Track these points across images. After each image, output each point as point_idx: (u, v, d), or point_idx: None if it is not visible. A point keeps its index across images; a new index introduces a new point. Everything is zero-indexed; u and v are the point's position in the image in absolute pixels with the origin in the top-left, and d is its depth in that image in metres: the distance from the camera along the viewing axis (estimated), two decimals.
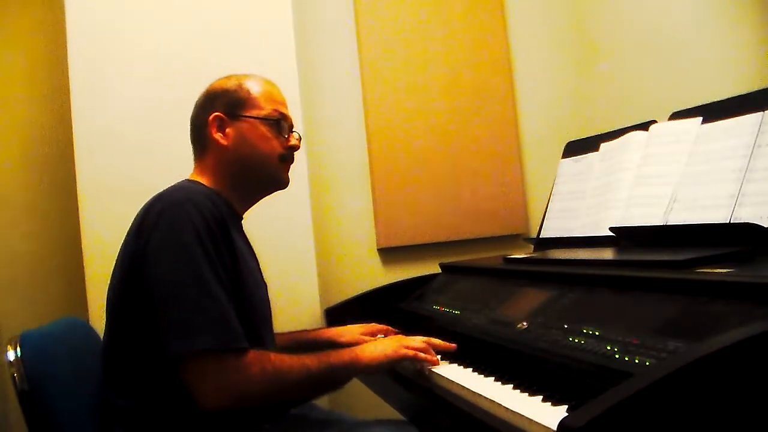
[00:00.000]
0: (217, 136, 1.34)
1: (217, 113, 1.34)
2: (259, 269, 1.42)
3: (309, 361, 1.21)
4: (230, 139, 1.34)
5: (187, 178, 1.36)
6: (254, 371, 1.14)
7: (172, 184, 1.29)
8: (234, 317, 1.15)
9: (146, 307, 1.16)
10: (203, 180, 1.35)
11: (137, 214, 1.25)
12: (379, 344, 1.31)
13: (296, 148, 1.41)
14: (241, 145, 1.34)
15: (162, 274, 1.15)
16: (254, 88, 1.38)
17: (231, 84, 1.38)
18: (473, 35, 2.45)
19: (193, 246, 1.15)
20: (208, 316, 1.12)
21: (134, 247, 1.20)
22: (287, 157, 1.40)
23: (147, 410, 1.18)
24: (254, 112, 1.35)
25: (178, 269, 1.14)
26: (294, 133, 1.42)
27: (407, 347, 1.29)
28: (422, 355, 1.29)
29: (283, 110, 1.40)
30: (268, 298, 1.41)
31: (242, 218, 1.41)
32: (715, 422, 0.75)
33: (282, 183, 1.41)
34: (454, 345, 1.34)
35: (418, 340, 1.33)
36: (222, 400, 1.13)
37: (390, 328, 1.63)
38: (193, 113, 1.40)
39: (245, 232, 1.42)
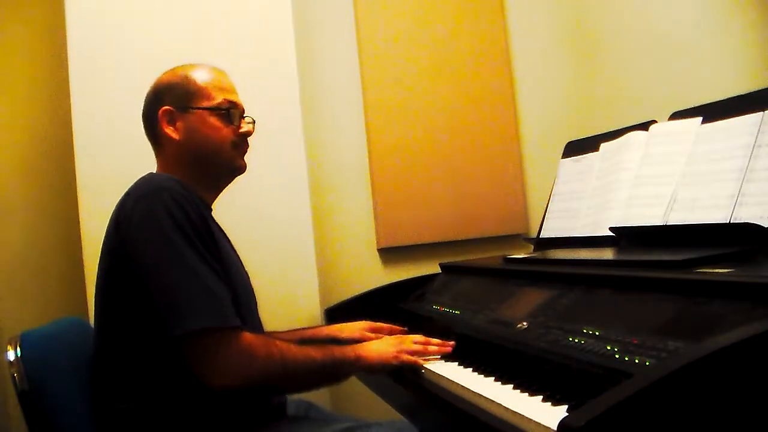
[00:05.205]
0: (168, 130, 1.33)
1: (166, 107, 1.33)
2: (240, 261, 1.42)
3: (314, 352, 1.23)
4: (181, 133, 1.33)
5: (151, 172, 1.35)
6: (259, 354, 1.16)
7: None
8: (226, 296, 1.16)
9: (135, 301, 1.16)
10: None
11: (113, 212, 1.24)
12: (381, 345, 1.33)
13: (249, 133, 1.40)
14: (192, 138, 1.33)
15: (148, 264, 1.15)
16: (201, 78, 1.36)
17: (178, 77, 1.37)
18: (473, 35, 2.45)
19: (173, 232, 1.15)
20: (200, 296, 1.13)
21: (115, 242, 1.20)
22: (239, 143, 1.38)
23: (143, 409, 1.18)
24: (203, 103, 1.34)
25: (162, 257, 1.15)
26: (246, 117, 1.41)
27: (408, 352, 1.31)
28: (421, 361, 1.30)
29: (233, 98, 1.38)
30: (252, 289, 1.41)
31: (211, 209, 1.39)
32: (715, 422, 0.75)
33: (238, 169, 1.40)
34: (452, 343, 1.34)
35: (416, 342, 1.34)
36: (227, 380, 1.14)
37: (394, 326, 1.61)
38: (143, 109, 1.39)
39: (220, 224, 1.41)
